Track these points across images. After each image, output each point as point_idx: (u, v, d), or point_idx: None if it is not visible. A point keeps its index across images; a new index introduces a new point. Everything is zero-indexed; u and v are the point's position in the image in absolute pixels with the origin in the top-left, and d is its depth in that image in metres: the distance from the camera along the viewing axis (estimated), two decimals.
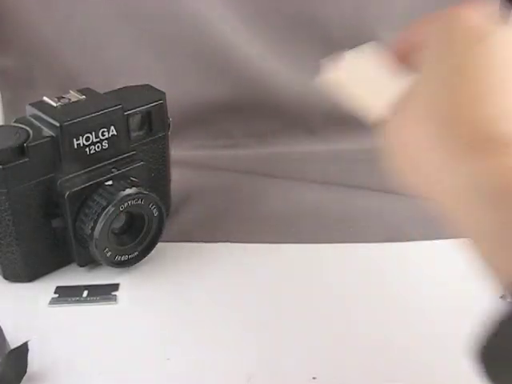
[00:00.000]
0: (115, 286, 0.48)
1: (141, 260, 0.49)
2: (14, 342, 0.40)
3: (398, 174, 0.35)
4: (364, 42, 0.63)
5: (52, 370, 0.41)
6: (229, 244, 0.53)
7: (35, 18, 0.61)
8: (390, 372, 0.42)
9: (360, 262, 0.52)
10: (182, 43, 0.62)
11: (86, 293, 0.47)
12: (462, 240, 0.53)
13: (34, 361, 0.40)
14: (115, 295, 0.47)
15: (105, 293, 0.47)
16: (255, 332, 0.45)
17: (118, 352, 0.43)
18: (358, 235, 0.53)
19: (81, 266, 0.49)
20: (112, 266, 0.48)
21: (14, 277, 0.48)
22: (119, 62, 0.62)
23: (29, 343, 0.39)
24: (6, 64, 0.63)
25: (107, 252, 0.47)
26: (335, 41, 0.64)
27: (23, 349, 0.39)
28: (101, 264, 0.48)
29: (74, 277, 0.49)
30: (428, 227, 0.55)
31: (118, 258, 0.48)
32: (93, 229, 0.45)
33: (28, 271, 0.48)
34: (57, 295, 0.47)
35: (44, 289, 0.48)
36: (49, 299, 0.47)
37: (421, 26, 0.38)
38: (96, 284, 0.48)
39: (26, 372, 0.39)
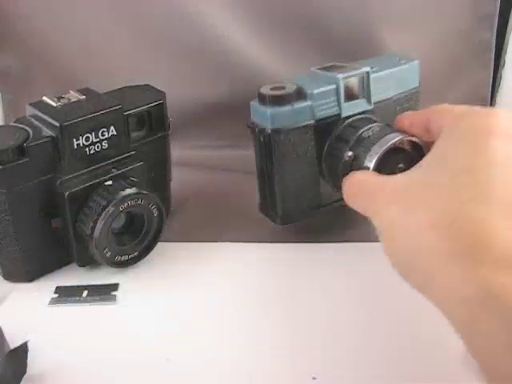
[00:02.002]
0: (115, 286, 0.48)
1: (140, 260, 0.49)
2: (13, 342, 0.40)
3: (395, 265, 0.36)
4: (364, 42, 0.64)
5: (51, 371, 0.41)
6: (229, 244, 0.53)
7: (35, 19, 0.61)
8: (390, 372, 0.42)
9: (361, 261, 0.52)
10: (182, 43, 0.62)
11: (85, 293, 0.47)
12: None
13: (33, 361, 0.40)
14: (115, 295, 0.47)
15: (104, 293, 0.47)
16: (255, 332, 0.44)
17: (117, 352, 0.43)
18: (359, 234, 0.53)
19: (81, 266, 0.49)
20: (112, 266, 0.48)
21: (13, 277, 0.48)
22: (119, 62, 0.62)
23: (28, 343, 0.39)
24: (6, 64, 0.63)
25: (107, 252, 0.47)
26: (335, 41, 0.64)
27: (23, 349, 0.39)
28: (101, 264, 0.48)
29: (74, 277, 0.49)
30: None
31: (117, 258, 0.48)
32: (93, 229, 0.45)
33: (28, 271, 0.48)
34: (57, 295, 0.47)
35: (44, 289, 0.48)
36: (49, 299, 0.47)
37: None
38: (96, 284, 0.48)
39: (25, 372, 0.39)
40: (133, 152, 0.49)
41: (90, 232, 0.46)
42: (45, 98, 0.47)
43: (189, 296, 0.48)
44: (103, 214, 0.45)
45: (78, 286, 0.48)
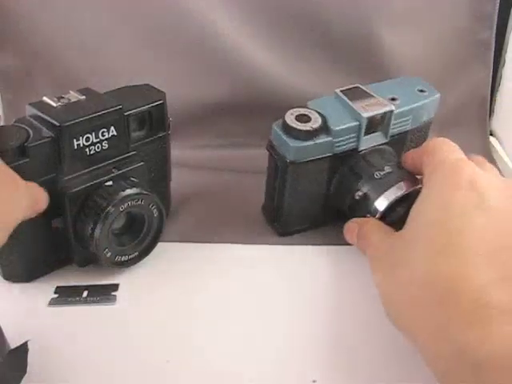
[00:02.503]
0: (115, 287, 0.48)
1: (141, 260, 0.49)
2: (13, 342, 0.40)
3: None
4: (363, 41, 0.64)
5: (51, 371, 0.41)
6: (229, 245, 0.53)
7: (35, 18, 0.61)
8: (390, 375, 0.42)
9: (361, 263, 0.52)
10: (182, 43, 0.62)
11: (85, 293, 0.47)
12: None
13: (33, 361, 0.40)
14: (115, 295, 0.47)
15: (105, 293, 0.47)
16: (255, 334, 0.45)
17: (117, 353, 0.43)
18: None
19: (80, 266, 0.49)
20: (112, 267, 0.48)
21: (13, 277, 0.49)
22: (119, 62, 0.62)
23: (29, 343, 0.39)
24: (6, 64, 0.63)
25: (107, 252, 0.47)
26: (334, 39, 0.64)
27: (23, 349, 0.39)
28: (101, 264, 0.48)
29: (74, 277, 0.49)
30: None
31: (118, 258, 0.48)
32: (93, 229, 0.45)
33: (28, 271, 0.48)
34: (57, 295, 0.47)
35: (44, 289, 0.48)
36: (49, 299, 0.47)
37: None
38: (96, 284, 0.48)
39: (25, 372, 0.39)
40: (133, 152, 0.49)
41: (90, 232, 0.46)
42: (45, 98, 0.47)
43: (189, 297, 0.48)
44: (103, 215, 0.45)
45: (78, 286, 0.48)
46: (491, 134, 0.70)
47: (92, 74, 0.61)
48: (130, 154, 0.49)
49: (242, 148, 0.63)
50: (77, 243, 0.47)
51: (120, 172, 0.48)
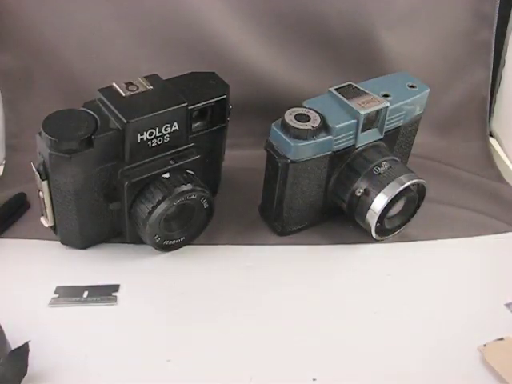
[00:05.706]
0: (115, 287, 0.48)
1: (185, 245, 0.51)
2: (14, 342, 0.40)
3: None
4: (363, 41, 0.64)
5: (52, 371, 0.41)
6: (229, 246, 0.53)
7: (35, 18, 0.61)
8: (389, 374, 0.42)
9: (361, 263, 0.52)
10: (183, 44, 0.62)
11: (86, 293, 0.47)
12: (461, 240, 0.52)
13: (34, 361, 0.40)
14: (115, 296, 0.47)
15: (105, 293, 0.47)
16: (256, 333, 0.45)
17: (117, 353, 0.43)
18: (360, 236, 0.53)
19: (131, 242, 0.51)
20: (158, 250, 0.50)
21: (70, 243, 0.51)
22: (119, 62, 0.62)
23: (29, 344, 0.39)
24: (6, 64, 0.63)
25: (157, 238, 0.49)
26: (335, 41, 0.64)
27: (24, 349, 0.39)
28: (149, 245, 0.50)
29: (74, 277, 0.49)
30: (428, 227, 0.55)
31: (165, 242, 0.50)
32: (147, 218, 0.47)
33: (82, 240, 0.50)
34: (57, 295, 0.47)
35: (44, 289, 0.48)
36: (49, 299, 0.47)
37: None
38: (96, 285, 0.48)
39: (26, 372, 0.39)
40: (192, 144, 0.50)
41: (144, 220, 0.47)
42: (114, 85, 0.47)
43: (189, 297, 0.48)
44: (158, 207, 0.47)
45: (78, 287, 0.48)
46: (491, 135, 0.70)
47: (92, 74, 0.61)
48: (188, 145, 0.50)
49: (241, 148, 0.63)
50: (130, 224, 0.49)
51: (177, 164, 0.48)
